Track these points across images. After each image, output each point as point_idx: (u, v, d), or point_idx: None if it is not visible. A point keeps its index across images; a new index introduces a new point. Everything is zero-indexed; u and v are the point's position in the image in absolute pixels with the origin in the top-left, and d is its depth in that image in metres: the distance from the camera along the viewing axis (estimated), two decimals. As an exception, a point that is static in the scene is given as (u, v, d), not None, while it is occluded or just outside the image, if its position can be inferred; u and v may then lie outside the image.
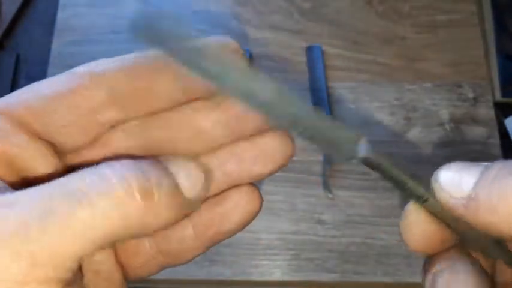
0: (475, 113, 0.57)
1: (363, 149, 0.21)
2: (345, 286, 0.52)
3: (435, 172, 0.21)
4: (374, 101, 0.58)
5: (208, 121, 0.21)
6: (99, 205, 0.16)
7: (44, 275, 0.15)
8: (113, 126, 0.21)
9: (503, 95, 0.59)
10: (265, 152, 0.22)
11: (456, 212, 0.20)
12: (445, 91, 0.58)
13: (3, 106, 0.20)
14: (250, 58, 0.59)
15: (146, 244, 0.22)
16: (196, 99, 0.21)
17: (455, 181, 0.20)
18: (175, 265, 0.22)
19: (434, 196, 0.21)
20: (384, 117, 0.57)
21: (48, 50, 0.60)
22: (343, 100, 0.58)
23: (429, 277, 0.21)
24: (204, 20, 0.62)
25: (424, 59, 0.60)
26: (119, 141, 0.21)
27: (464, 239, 0.21)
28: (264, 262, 0.52)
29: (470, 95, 0.58)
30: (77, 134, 0.20)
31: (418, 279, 0.51)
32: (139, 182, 0.17)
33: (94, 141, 0.21)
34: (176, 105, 0.21)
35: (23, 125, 0.19)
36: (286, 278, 0.51)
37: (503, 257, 0.21)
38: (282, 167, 0.22)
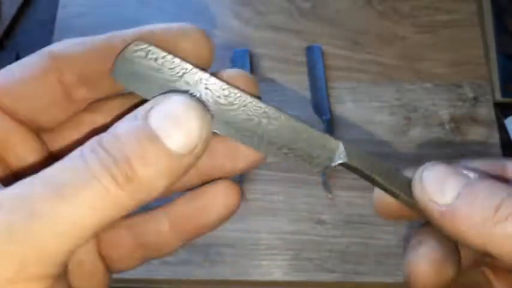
0: (475, 113, 0.57)
1: (339, 157, 0.22)
2: (344, 286, 0.52)
3: (419, 169, 0.22)
4: (374, 101, 0.58)
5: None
6: (84, 198, 0.16)
7: (33, 273, 0.15)
8: (90, 107, 0.21)
9: (503, 95, 0.59)
10: (236, 149, 0.22)
11: (430, 213, 0.21)
12: (445, 91, 0.58)
13: None
14: (250, 58, 0.59)
15: (126, 236, 0.22)
16: None
17: (437, 186, 0.21)
18: (155, 258, 0.22)
19: (409, 193, 0.22)
20: (384, 117, 0.57)
21: (48, 50, 0.60)
22: (343, 100, 0.58)
23: (408, 248, 0.23)
24: (204, 20, 0.62)
25: (424, 59, 0.60)
26: (96, 122, 0.22)
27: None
28: (264, 262, 0.52)
29: (470, 95, 0.58)
30: (55, 113, 0.21)
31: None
32: (122, 166, 0.16)
33: (72, 120, 0.21)
34: None
35: (5, 111, 0.20)
36: (286, 278, 0.51)
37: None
38: (255, 165, 0.22)
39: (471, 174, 0.21)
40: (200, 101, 0.18)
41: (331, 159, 0.22)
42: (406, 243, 0.24)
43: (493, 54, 0.61)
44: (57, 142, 0.21)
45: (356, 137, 0.56)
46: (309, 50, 0.60)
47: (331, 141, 0.22)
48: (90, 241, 0.21)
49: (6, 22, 0.64)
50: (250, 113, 0.21)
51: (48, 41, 0.61)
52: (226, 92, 0.21)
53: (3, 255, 0.15)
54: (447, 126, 0.57)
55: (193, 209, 0.22)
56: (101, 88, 0.21)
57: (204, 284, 0.52)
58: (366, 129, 0.57)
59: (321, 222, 0.53)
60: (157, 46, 0.20)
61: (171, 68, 0.20)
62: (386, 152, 0.56)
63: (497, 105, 0.58)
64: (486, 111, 0.57)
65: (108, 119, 0.22)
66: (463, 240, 0.20)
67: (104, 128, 0.18)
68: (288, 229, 0.53)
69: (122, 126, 0.17)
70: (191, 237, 0.22)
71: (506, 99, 0.59)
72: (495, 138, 0.56)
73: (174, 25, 0.20)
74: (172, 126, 0.17)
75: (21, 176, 0.17)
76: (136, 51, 0.20)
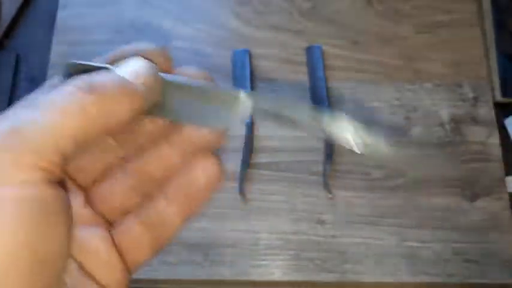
0: (475, 113, 0.57)
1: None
2: (345, 286, 0.52)
3: None
4: (374, 101, 0.58)
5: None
6: (56, 107, 0.19)
7: (32, 161, 0.18)
8: None
9: (503, 95, 0.59)
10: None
11: None
12: (445, 91, 0.58)
13: None
14: (250, 58, 0.59)
15: (133, 222, 0.24)
16: None
17: None
18: (164, 244, 0.24)
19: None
20: (384, 117, 0.57)
21: (48, 50, 0.60)
22: (343, 100, 0.58)
23: None
24: (204, 20, 0.62)
25: (424, 59, 0.60)
26: None
27: None
28: (264, 262, 0.52)
29: (470, 95, 0.58)
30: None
31: (418, 279, 0.51)
32: (87, 84, 0.20)
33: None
34: None
35: None
36: (286, 278, 0.51)
37: None
38: (220, 139, 0.24)
39: None
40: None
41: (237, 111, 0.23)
42: None
43: (493, 54, 0.61)
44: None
45: (356, 137, 0.56)
46: (309, 50, 0.60)
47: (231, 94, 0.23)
48: (101, 227, 0.23)
49: (6, 22, 0.64)
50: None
51: (48, 41, 0.61)
52: None
53: (4, 144, 0.18)
54: (447, 126, 0.57)
55: (182, 183, 0.24)
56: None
57: (204, 284, 0.52)
58: (365, 129, 0.57)
59: (321, 222, 0.53)
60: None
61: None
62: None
63: (497, 105, 0.58)
64: (486, 111, 0.57)
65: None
66: None
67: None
68: (288, 229, 0.53)
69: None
70: (186, 213, 0.24)
71: (506, 99, 0.59)
72: (495, 138, 0.56)
73: (133, 45, 0.23)
74: (127, 67, 0.21)
75: None
76: (72, 71, 0.22)
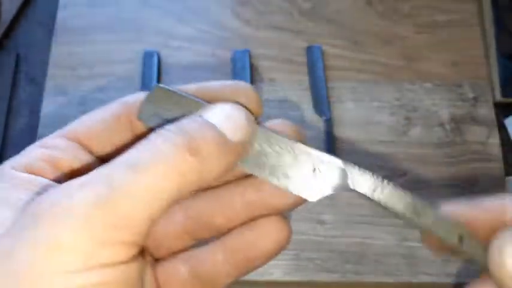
0: (475, 113, 0.57)
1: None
2: (345, 286, 0.52)
3: (498, 238, 0.20)
4: (374, 101, 0.58)
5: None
6: (156, 170, 0.18)
7: (119, 237, 0.17)
8: None
9: (503, 95, 0.59)
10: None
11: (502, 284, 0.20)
12: (445, 91, 0.58)
13: (66, 132, 0.22)
14: (250, 58, 0.59)
15: (182, 268, 0.23)
16: None
17: None
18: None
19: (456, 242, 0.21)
20: (384, 117, 0.57)
21: (48, 50, 0.60)
22: (343, 100, 0.58)
23: None
24: (204, 20, 0.62)
25: (424, 59, 0.60)
26: None
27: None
28: (264, 262, 0.52)
29: (470, 95, 0.58)
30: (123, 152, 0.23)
31: (418, 279, 0.51)
32: (186, 143, 0.19)
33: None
34: None
35: (83, 146, 0.22)
36: (286, 278, 0.51)
37: None
38: (302, 202, 0.23)
39: None
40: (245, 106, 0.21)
41: (334, 188, 0.22)
42: None
43: (493, 54, 0.61)
44: None
45: (356, 137, 0.56)
46: (309, 50, 0.60)
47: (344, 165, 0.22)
48: (148, 271, 0.23)
49: (6, 22, 0.64)
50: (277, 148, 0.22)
51: (48, 41, 0.61)
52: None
53: (89, 220, 0.17)
54: (447, 126, 0.57)
55: (245, 241, 0.22)
56: None
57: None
58: (366, 129, 0.57)
59: (321, 222, 0.53)
60: (173, 89, 0.22)
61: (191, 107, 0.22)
62: (386, 152, 0.56)
63: (497, 105, 0.58)
64: (486, 111, 0.57)
65: None
66: None
67: None
68: (288, 229, 0.53)
69: (181, 121, 0.20)
70: (241, 272, 0.23)
71: (506, 99, 0.59)
72: (495, 138, 0.56)
73: (229, 82, 0.23)
74: (225, 119, 0.20)
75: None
76: (157, 94, 0.22)
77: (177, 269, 0.23)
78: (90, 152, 0.22)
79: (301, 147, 0.21)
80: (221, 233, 0.23)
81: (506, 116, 0.59)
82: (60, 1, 0.63)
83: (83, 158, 0.22)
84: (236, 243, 0.22)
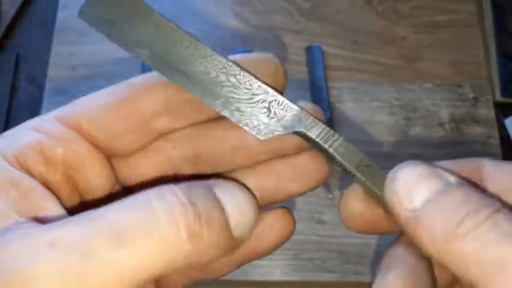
0: (475, 113, 0.57)
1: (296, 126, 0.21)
2: (345, 286, 0.52)
3: (395, 167, 0.20)
4: (374, 101, 0.58)
5: (250, 135, 0.21)
6: (143, 246, 0.15)
7: None
8: (162, 135, 0.22)
9: (503, 95, 0.59)
10: (301, 171, 0.22)
11: (396, 218, 0.19)
12: (445, 91, 0.58)
13: (67, 115, 0.21)
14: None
15: None
16: None
17: (408, 189, 0.19)
18: (205, 279, 0.23)
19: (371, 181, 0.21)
20: (384, 117, 0.57)
21: (48, 50, 0.60)
22: (343, 100, 0.58)
23: (378, 273, 0.21)
24: (204, 20, 0.62)
25: (424, 59, 0.60)
26: (166, 151, 0.22)
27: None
28: (264, 262, 0.52)
29: (470, 95, 0.58)
30: (131, 141, 0.21)
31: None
32: (188, 222, 0.16)
33: (144, 148, 0.22)
34: (221, 117, 0.22)
35: (84, 134, 0.21)
36: (286, 278, 0.51)
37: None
38: (316, 187, 0.22)
39: (452, 179, 0.19)
40: (256, 202, 0.19)
41: (285, 127, 0.21)
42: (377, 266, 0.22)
43: (493, 54, 0.61)
44: (125, 168, 0.22)
45: (356, 137, 0.56)
46: (309, 50, 0.60)
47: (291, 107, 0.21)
48: None
49: (6, 22, 0.64)
50: (208, 65, 0.21)
51: (48, 41, 0.61)
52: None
53: None
54: (447, 126, 0.57)
55: None
56: (182, 118, 0.22)
57: (204, 284, 0.52)
58: (366, 129, 0.57)
59: (321, 222, 0.53)
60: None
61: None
62: (386, 152, 0.56)
63: (497, 105, 0.58)
64: (486, 111, 0.57)
65: (177, 148, 0.22)
66: (424, 252, 0.18)
67: (170, 158, 0.21)
68: (288, 229, 0.53)
69: (191, 187, 0.18)
70: (244, 262, 0.22)
71: (506, 99, 0.59)
72: (495, 138, 0.56)
73: (253, 54, 0.22)
74: (236, 210, 0.18)
75: (88, 204, 0.17)
76: None
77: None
78: (91, 141, 0.21)
79: (260, 84, 0.21)
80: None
81: (506, 116, 0.59)
82: (60, 1, 0.63)
83: (79, 150, 0.20)
84: None
